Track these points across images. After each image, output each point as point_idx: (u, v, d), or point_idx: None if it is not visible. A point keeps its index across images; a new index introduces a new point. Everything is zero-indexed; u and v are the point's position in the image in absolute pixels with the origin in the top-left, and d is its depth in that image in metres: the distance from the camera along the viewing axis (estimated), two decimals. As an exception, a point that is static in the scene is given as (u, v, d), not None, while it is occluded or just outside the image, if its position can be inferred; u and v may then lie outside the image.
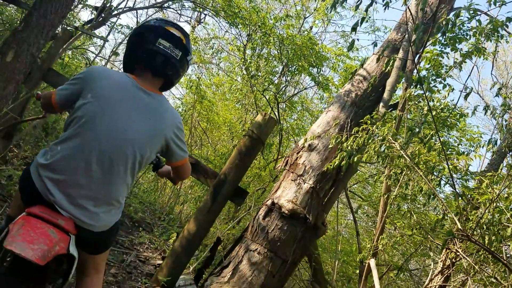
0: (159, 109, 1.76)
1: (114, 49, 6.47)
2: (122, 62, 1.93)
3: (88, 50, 8.62)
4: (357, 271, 4.64)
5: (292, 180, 3.60)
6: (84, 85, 1.68)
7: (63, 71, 6.71)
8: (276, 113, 7.75)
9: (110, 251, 1.97)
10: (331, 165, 3.30)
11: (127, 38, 1.90)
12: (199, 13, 11.96)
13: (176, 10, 8.43)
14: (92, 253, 1.82)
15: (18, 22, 5.88)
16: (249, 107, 9.04)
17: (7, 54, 2.18)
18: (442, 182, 3.44)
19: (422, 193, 3.21)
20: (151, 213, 7.50)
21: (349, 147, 3.11)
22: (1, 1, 4.31)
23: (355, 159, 3.00)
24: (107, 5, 5.65)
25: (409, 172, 3.33)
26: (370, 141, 3.02)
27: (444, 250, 3.21)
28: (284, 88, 8.88)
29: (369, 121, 3.33)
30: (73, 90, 1.71)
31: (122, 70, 1.96)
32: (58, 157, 1.58)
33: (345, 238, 8.42)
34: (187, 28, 12.22)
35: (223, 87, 10.31)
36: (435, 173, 3.39)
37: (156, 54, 1.75)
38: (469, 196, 3.21)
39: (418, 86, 3.65)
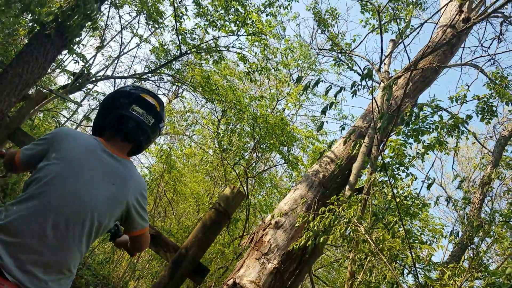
0: (125, 174, 1.72)
1: (86, 114, 6.47)
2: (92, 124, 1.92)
3: (60, 114, 8.58)
4: None
5: (256, 259, 3.49)
6: (50, 146, 1.64)
7: (31, 132, 6.60)
8: (245, 188, 7.73)
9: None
10: (296, 245, 3.24)
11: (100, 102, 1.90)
12: (177, 87, 12.32)
13: (154, 82, 8.66)
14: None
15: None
16: (218, 180, 9.01)
17: (-25, 110, 2.13)
18: (405, 271, 3.43)
19: (386, 281, 3.17)
20: (104, 287, 7.01)
21: (315, 227, 3.09)
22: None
23: (321, 239, 2.97)
24: (86, 72, 5.74)
25: (373, 258, 3.31)
26: (336, 222, 3.02)
27: None
28: (254, 163, 8.97)
29: (335, 202, 3.36)
30: (38, 150, 1.67)
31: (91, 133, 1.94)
32: (12, 218, 1.49)
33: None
34: (164, 99, 12.49)
35: (194, 158, 10.33)
36: (398, 261, 3.39)
37: (129, 120, 1.76)
38: (431, 287, 3.18)
39: (383, 172, 3.77)
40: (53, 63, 2.36)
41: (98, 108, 1.87)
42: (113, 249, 8.04)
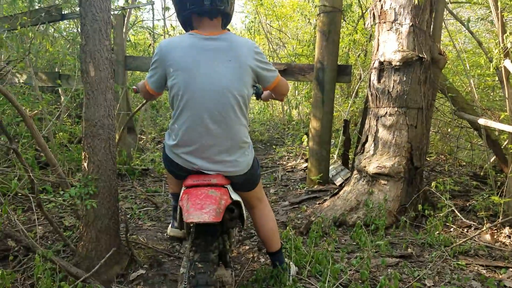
0: (232, 47, 1.79)
1: (163, 6, 6.49)
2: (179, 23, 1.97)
3: (145, 20, 8.82)
4: (497, 79, 4.32)
5: (388, 30, 3.35)
6: (163, 65, 1.80)
7: (137, 51, 7.05)
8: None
9: (261, 177, 2.19)
10: (420, -6, 2.97)
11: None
12: None
13: None
14: (249, 190, 2.05)
15: (78, 33, 6.22)
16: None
17: (89, 70, 2.35)
18: None
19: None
20: (275, 128, 7.84)
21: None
22: (49, 22, 4.57)
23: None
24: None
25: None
26: None
27: None
28: None
29: None
30: (157, 73, 1.84)
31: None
32: (181, 133, 1.77)
33: (470, 52, 7.69)
34: None
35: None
36: None
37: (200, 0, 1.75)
38: None
39: None
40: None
41: (173, 6, 1.90)
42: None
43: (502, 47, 3.24)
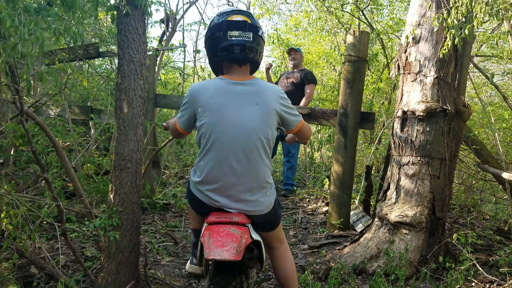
0: (258, 91, 1.89)
1: (194, 49, 6.79)
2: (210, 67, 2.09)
3: (176, 61, 9.20)
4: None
5: (412, 81, 3.42)
6: (193, 107, 1.90)
7: (166, 90, 7.30)
8: (365, 20, 7.29)
9: (282, 218, 2.22)
10: (445, 49, 3.04)
11: (203, 35, 2.07)
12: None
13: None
14: (270, 230, 2.07)
15: (112, 70, 6.53)
16: (335, 29, 8.66)
17: (123, 107, 2.48)
18: None
19: None
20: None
21: (454, 21, 2.82)
22: (87, 58, 4.82)
23: (467, 31, 2.72)
24: (170, 14, 5.93)
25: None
26: (474, 3, 2.69)
27: None
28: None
29: (465, -19, 2.94)
30: (188, 115, 1.95)
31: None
32: (206, 171, 1.84)
33: (495, 105, 7.65)
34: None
35: (302, 23, 10.03)
36: None
37: (232, 47, 1.86)
38: None
39: None
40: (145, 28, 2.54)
41: (206, 53, 2.02)
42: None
43: (527, 102, 3.25)
